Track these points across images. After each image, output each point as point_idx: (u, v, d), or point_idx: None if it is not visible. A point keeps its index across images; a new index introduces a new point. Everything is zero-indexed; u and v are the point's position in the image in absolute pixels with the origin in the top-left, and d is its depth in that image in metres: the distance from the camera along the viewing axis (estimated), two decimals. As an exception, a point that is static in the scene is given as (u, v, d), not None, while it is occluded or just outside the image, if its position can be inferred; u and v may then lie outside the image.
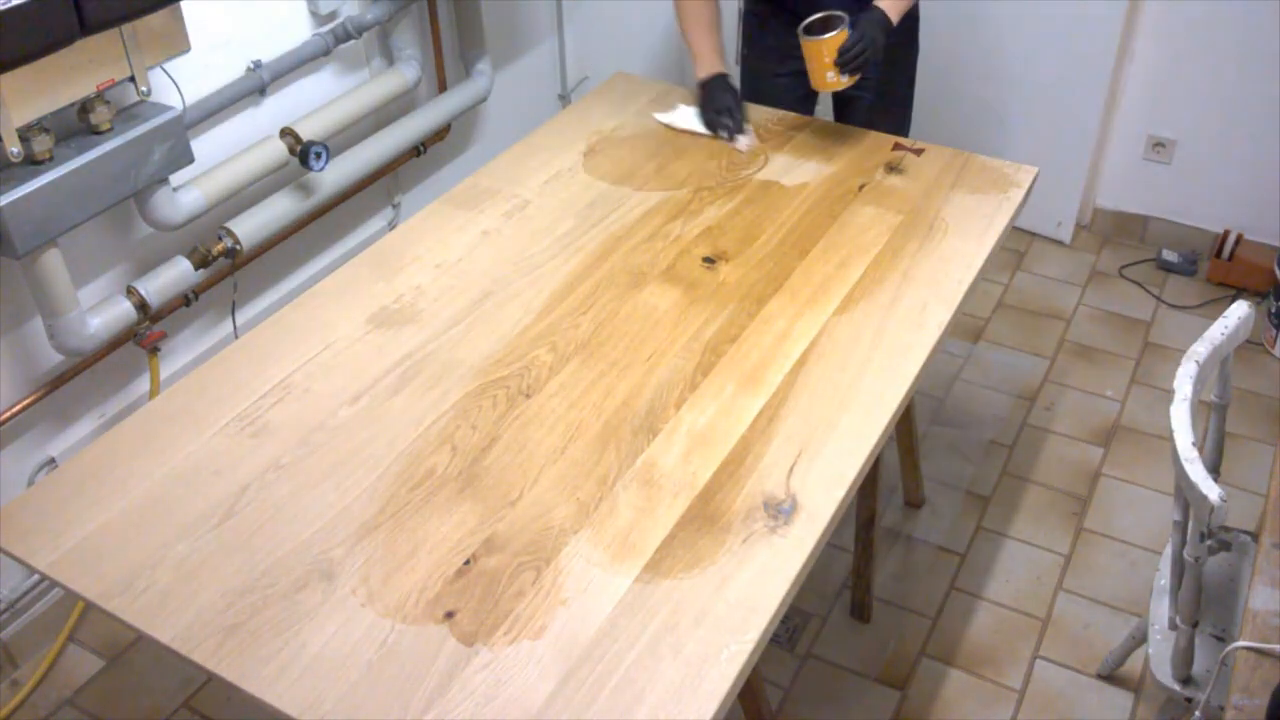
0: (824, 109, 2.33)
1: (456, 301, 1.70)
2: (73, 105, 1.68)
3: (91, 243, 1.90)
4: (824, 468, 1.39)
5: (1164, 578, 1.68)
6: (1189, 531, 1.43)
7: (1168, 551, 1.63)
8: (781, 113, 2.20)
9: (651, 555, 1.28)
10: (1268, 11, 2.72)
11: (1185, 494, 1.40)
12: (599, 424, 1.46)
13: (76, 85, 1.64)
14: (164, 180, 1.85)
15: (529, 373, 1.55)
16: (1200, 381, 1.52)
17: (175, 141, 1.81)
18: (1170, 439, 1.43)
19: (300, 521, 1.34)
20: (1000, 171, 1.99)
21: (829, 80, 1.96)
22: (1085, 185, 3.15)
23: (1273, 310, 2.79)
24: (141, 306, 1.91)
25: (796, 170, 2.01)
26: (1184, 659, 1.54)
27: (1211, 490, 1.35)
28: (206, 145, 2.01)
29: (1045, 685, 2.01)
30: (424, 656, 1.18)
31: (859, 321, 1.63)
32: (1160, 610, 1.65)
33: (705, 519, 1.33)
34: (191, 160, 1.86)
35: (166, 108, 1.82)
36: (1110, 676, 2.01)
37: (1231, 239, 2.99)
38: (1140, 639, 1.77)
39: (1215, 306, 2.91)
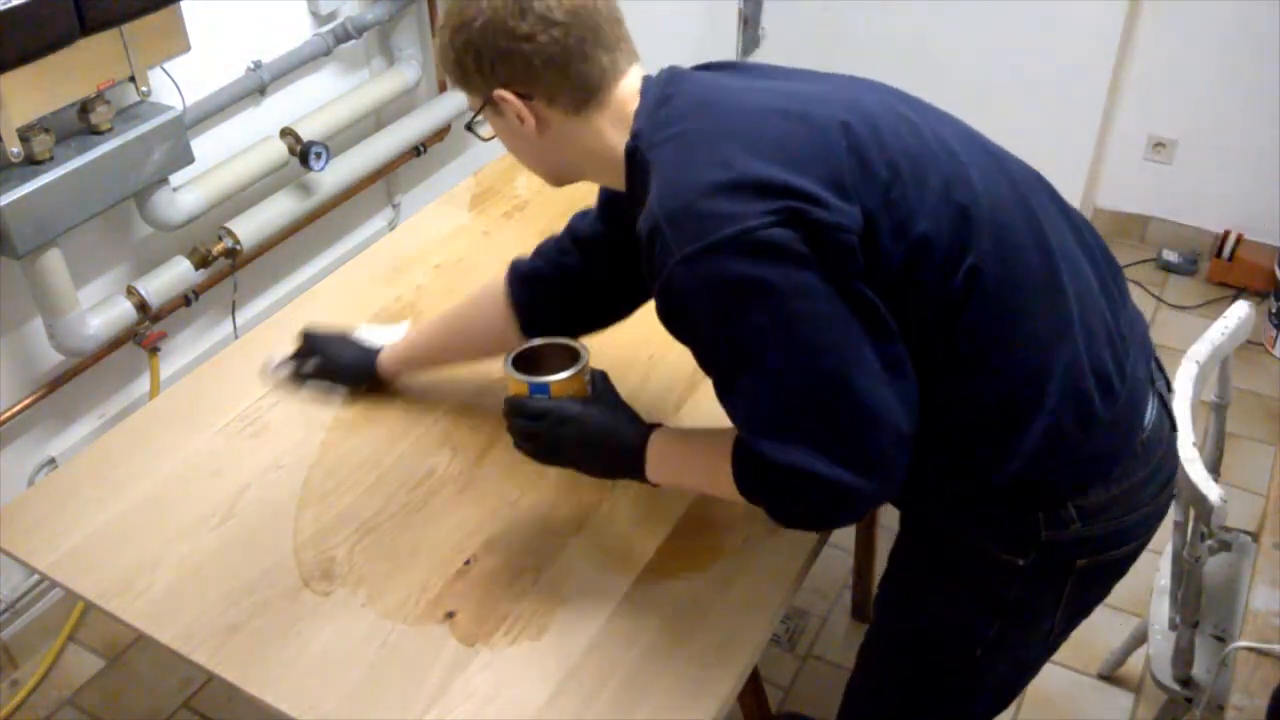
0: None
1: (456, 301, 1.69)
2: (73, 105, 1.68)
3: (91, 243, 1.90)
4: (824, 468, 1.39)
5: (1164, 578, 1.68)
6: (1189, 531, 1.43)
7: (1168, 551, 1.63)
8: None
9: (652, 556, 1.28)
10: (1267, 12, 2.72)
11: (1185, 494, 1.40)
12: (599, 424, 1.46)
13: (76, 85, 1.64)
14: (164, 180, 1.85)
15: (529, 373, 1.55)
16: (1200, 381, 1.52)
17: (175, 141, 1.81)
18: (1170, 439, 1.43)
19: (300, 522, 1.34)
20: (1000, 171, 1.99)
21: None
22: (1085, 185, 3.15)
23: (1273, 310, 2.79)
24: (141, 306, 1.91)
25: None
26: (1184, 659, 1.54)
27: (1211, 490, 1.35)
28: (206, 145, 2.01)
29: (1045, 685, 2.01)
30: (424, 657, 1.17)
31: (859, 322, 1.63)
32: (1160, 610, 1.65)
33: (705, 519, 1.33)
34: (191, 160, 1.86)
35: (166, 108, 1.81)
36: (1110, 676, 2.01)
37: (1231, 239, 2.99)
38: (1140, 639, 1.77)
39: (1215, 306, 2.92)
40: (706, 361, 1.05)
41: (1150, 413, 1.16)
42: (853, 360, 0.97)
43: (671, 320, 1.05)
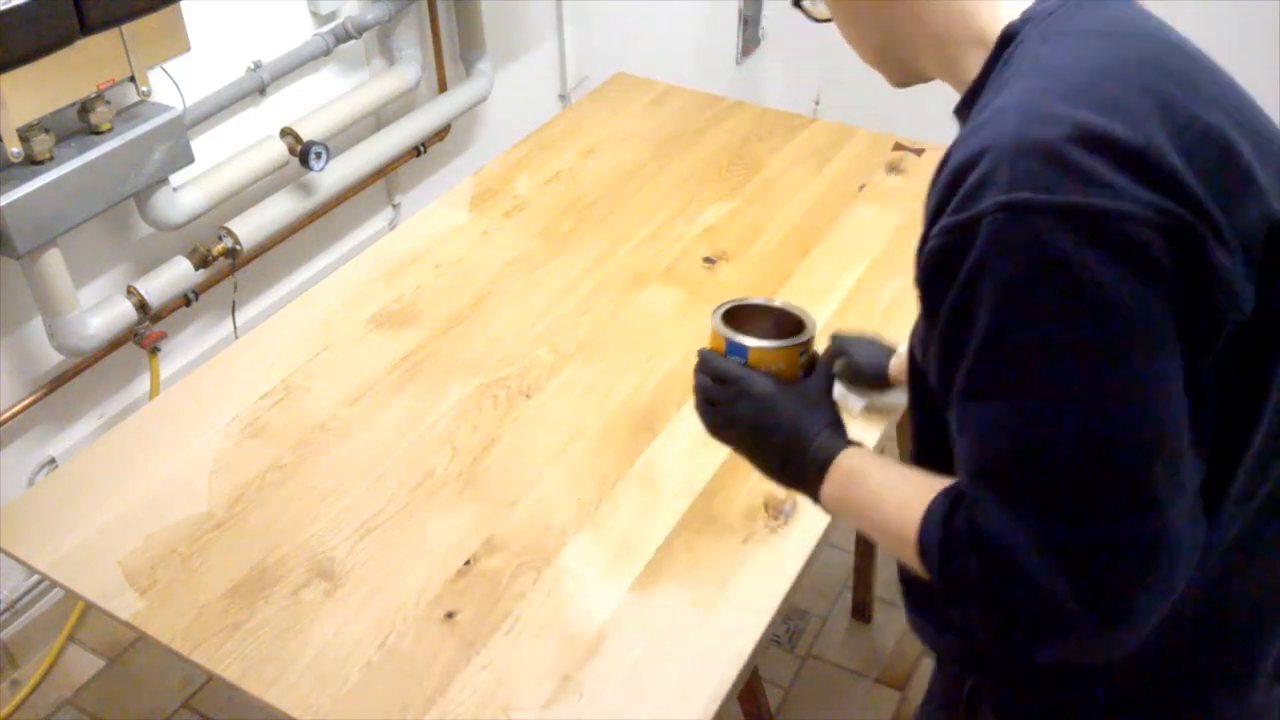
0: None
1: (456, 301, 1.70)
2: (73, 105, 1.68)
3: (91, 243, 1.90)
4: (824, 468, 1.39)
5: None
6: None
7: None
8: (782, 112, 2.20)
9: (652, 556, 1.28)
10: (1266, 12, 2.72)
11: None
12: (599, 424, 1.46)
13: (76, 85, 1.64)
14: (164, 180, 1.85)
15: (529, 373, 1.55)
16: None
17: (175, 141, 1.81)
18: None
19: (300, 521, 1.34)
20: (1000, 171, 1.99)
21: None
22: (1085, 185, 3.15)
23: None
24: (141, 306, 1.91)
25: (797, 170, 2.01)
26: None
27: None
28: (206, 145, 2.00)
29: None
30: (424, 657, 1.17)
31: (860, 322, 1.63)
32: None
33: (706, 519, 1.33)
34: (192, 160, 1.86)
35: (167, 108, 1.81)
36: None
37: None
38: None
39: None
40: (958, 351, 0.74)
41: None
42: (1162, 441, 0.69)
43: (937, 275, 0.74)
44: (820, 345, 1.02)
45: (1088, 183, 0.68)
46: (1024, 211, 0.68)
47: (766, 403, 0.94)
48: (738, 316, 1.02)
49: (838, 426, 0.94)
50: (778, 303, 1.04)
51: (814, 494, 0.92)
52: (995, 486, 0.72)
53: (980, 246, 0.70)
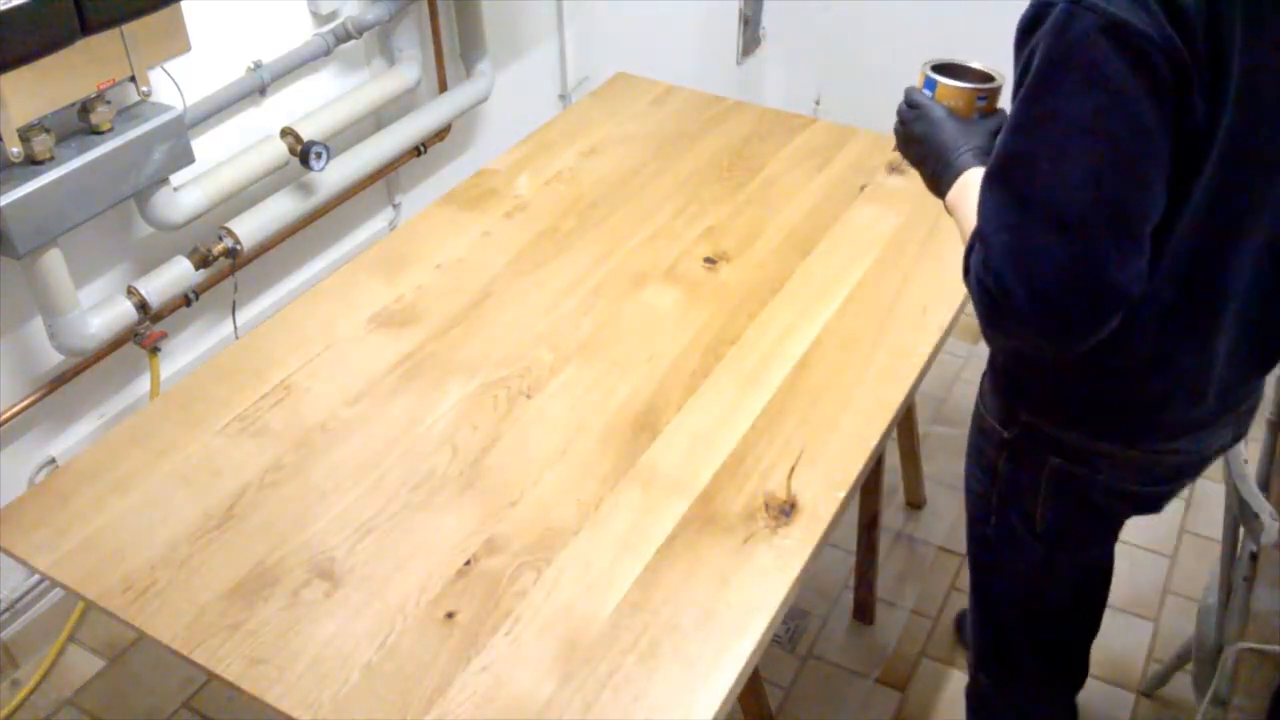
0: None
1: (457, 301, 1.70)
2: (73, 105, 1.68)
3: (92, 243, 1.90)
4: (825, 469, 1.39)
5: (1211, 595, 1.64)
6: (1239, 550, 1.40)
7: (1216, 569, 1.59)
8: (782, 112, 2.20)
9: (652, 556, 1.28)
10: (1269, 12, 2.72)
11: (1234, 512, 1.38)
12: (600, 425, 1.46)
13: (77, 85, 1.64)
14: (164, 180, 1.85)
15: (530, 373, 1.55)
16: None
17: (176, 141, 1.81)
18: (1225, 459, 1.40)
19: (300, 521, 1.34)
20: (1001, 172, 1.99)
21: None
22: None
23: None
24: (142, 306, 1.91)
25: (798, 171, 2.01)
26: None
27: (1263, 508, 1.33)
28: (207, 145, 2.00)
29: (1046, 686, 2.00)
30: (424, 657, 1.17)
31: (860, 322, 1.63)
32: (1207, 630, 1.60)
33: (706, 519, 1.32)
34: (192, 160, 1.86)
35: (167, 108, 1.81)
36: (1111, 677, 2.01)
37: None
38: (1186, 658, 1.73)
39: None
40: (1016, 91, 1.03)
41: (1173, 449, 1.22)
42: (1114, 189, 0.95)
43: (1023, 36, 1.02)
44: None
45: (1133, 3, 0.91)
46: (1084, 9, 0.93)
47: (936, 125, 1.23)
48: (949, 68, 1.28)
49: (980, 154, 1.19)
50: (977, 64, 1.30)
51: (943, 195, 1.21)
52: (992, 176, 1.01)
53: (1048, 22, 0.96)
